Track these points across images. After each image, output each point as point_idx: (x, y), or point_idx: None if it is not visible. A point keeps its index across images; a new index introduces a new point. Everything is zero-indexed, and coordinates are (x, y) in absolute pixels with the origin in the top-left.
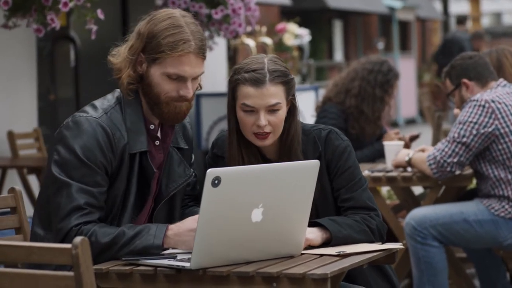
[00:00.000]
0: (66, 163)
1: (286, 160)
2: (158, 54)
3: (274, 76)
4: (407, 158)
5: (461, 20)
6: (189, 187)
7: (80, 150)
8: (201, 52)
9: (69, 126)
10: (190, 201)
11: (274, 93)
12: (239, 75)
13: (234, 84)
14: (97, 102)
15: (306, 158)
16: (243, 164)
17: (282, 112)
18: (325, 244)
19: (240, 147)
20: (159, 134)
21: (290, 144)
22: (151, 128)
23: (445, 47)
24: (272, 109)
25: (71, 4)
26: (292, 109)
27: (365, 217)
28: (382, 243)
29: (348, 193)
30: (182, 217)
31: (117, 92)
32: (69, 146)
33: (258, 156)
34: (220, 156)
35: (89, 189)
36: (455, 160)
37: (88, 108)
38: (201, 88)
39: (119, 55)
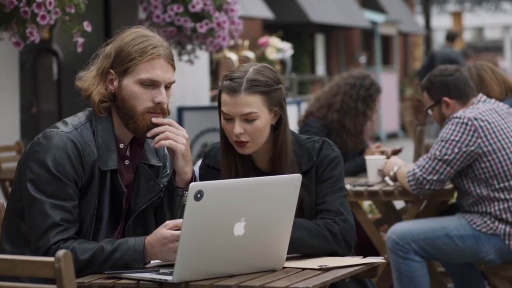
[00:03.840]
0: (38, 178)
1: (277, 170)
2: (128, 63)
3: (251, 86)
4: (392, 173)
5: (452, 37)
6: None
7: (51, 163)
8: (170, 59)
9: (40, 142)
10: None
11: (249, 103)
12: (222, 82)
13: (218, 90)
14: (68, 119)
15: (300, 168)
16: (236, 172)
17: (260, 122)
18: None
19: (234, 156)
20: (128, 153)
21: (279, 154)
22: (121, 147)
23: (432, 62)
24: (247, 118)
25: (48, 17)
26: (280, 120)
27: (328, 222)
28: (355, 253)
29: (324, 197)
30: None
31: (88, 110)
32: (40, 161)
33: (250, 165)
34: (211, 167)
35: (63, 205)
36: (435, 177)
37: (58, 124)
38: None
39: (87, 78)
